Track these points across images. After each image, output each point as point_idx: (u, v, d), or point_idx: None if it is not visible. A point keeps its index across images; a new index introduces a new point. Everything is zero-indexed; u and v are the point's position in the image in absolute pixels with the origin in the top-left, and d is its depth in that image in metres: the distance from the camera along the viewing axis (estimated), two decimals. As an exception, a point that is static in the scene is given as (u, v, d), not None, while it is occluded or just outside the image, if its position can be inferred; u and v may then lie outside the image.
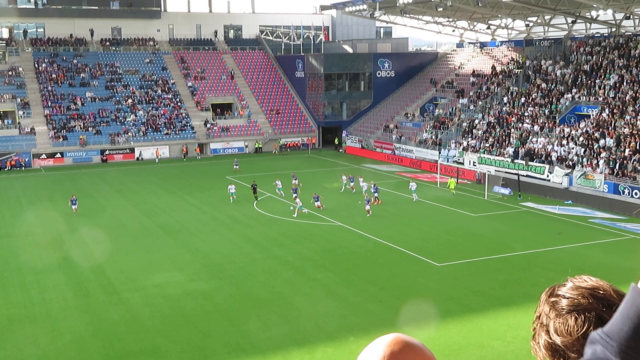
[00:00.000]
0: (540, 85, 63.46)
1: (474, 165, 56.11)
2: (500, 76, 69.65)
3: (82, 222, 41.09)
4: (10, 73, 75.95)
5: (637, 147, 47.54)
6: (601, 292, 1.80)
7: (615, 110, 53.27)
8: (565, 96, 59.40)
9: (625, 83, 56.39)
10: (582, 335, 1.63)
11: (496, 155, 55.80)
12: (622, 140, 49.09)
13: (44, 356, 22.21)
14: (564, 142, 52.84)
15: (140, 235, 38.30)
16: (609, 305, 1.77)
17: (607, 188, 45.67)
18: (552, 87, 62.09)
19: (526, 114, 60.12)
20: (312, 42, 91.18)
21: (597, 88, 58.01)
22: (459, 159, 58.56)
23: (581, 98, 58.22)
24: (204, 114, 78.15)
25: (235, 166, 60.93)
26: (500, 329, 23.92)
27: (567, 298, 1.73)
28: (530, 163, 52.08)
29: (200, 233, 38.56)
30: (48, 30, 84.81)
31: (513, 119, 60.41)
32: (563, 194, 47.75)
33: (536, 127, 57.07)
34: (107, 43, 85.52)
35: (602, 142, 50.34)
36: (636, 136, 48.48)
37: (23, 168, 65.51)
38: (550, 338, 1.68)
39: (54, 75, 77.43)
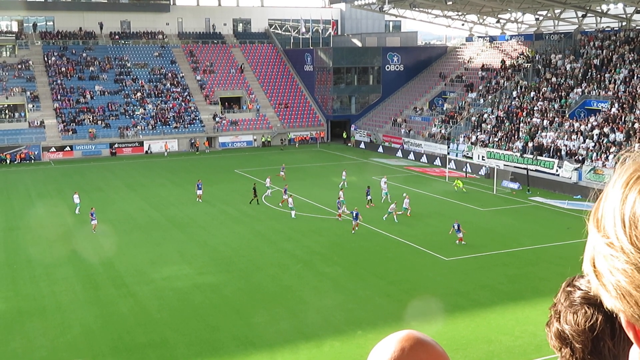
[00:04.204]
0: (550, 79, 63.19)
1: (482, 159, 55.98)
2: (510, 70, 69.38)
3: (87, 215, 41.12)
4: (20, 66, 76.21)
5: (647, 142, 47.35)
6: None
7: (625, 105, 53.00)
8: (575, 90, 59.13)
9: (635, 77, 56.09)
10: (589, 328, 1.63)
11: (505, 150, 55.64)
12: (632, 135, 48.84)
13: (54, 348, 22.34)
14: (574, 136, 52.64)
15: (149, 228, 38.42)
16: None
17: (616, 183, 45.43)
18: (562, 81, 61.82)
19: (536, 108, 59.89)
20: (321, 35, 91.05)
21: (607, 82, 57.73)
22: (467, 154, 58.42)
23: (591, 92, 57.95)
24: (212, 107, 78.22)
25: (281, 172, 53.54)
26: (508, 324, 23.90)
27: (582, 290, 1.74)
28: (539, 157, 51.92)
29: (209, 226, 38.65)
30: (57, 24, 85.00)
31: (522, 113, 60.21)
32: (572, 188, 47.59)
33: (545, 122, 56.85)
34: (116, 36, 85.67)
35: (612, 136, 50.12)
36: (646, 131, 48.26)
37: (32, 161, 65.80)
38: (561, 326, 1.70)
39: (63, 69, 77.63)
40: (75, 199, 42.29)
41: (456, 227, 34.61)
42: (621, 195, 1.25)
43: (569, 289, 1.75)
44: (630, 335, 1.29)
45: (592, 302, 1.67)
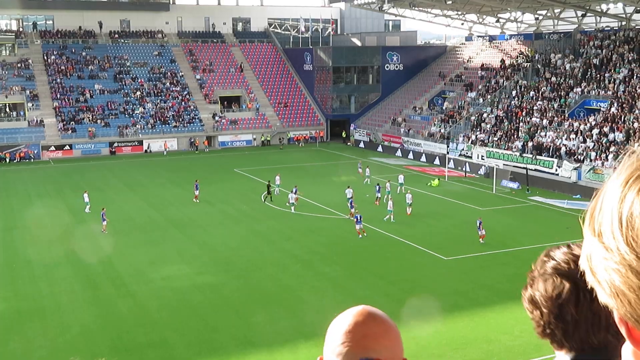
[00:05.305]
0: (550, 79, 63.18)
1: (482, 159, 55.98)
2: (509, 70, 69.38)
3: (90, 215, 41.14)
4: (19, 65, 76.16)
5: (647, 142, 47.26)
6: None
7: (624, 105, 53.01)
8: (575, 90, 59.13)
9: (635, 77, 56.09)
10: (556, 296, 1.78)
11: (504, 149, 55.63)
12: (632, 134, 48.85)
13: (53, 348, 22.33)
14: (573, 136, 52.63)
15: (148, 228, 38.38)
16: None
17: (616, 182, 45.42)
18: (562, 80, 61.82)
19: (535, 107, 59.89)
20: (321, 35, 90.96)
21: (606, 82, 57.72)
22: (467, 153, 58.43)
23: (590, 92, 57.94)
24: (212, 106, 78.19)
25: (359, 169, 53.97)
26: (507, 323, 23.88)
27: (555, 260, 1.88)
28: (538, 157, 51.91)
29: (208, 226, 38.62)
30: (57, 23, 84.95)
31: (522, 112, 60.20)
32: (572, 188, 47.59)
33: (545, 121, 56.85)
34: (116, 35, 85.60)
35: (611, 136, 50.12)
36: (646, 130, 48.26)
37: (32, 160, 65.76)
38: (532, 292, 1.87)
39: (62, 68, 77.60)
40: (85, 198, 42.24)
41: (478, 224, 34.48)
42: (620, 194, 1.23)
43: (544, 258, 1.92)
44: (623, 330, 1.30)
45: (562, 272, 1.83)
